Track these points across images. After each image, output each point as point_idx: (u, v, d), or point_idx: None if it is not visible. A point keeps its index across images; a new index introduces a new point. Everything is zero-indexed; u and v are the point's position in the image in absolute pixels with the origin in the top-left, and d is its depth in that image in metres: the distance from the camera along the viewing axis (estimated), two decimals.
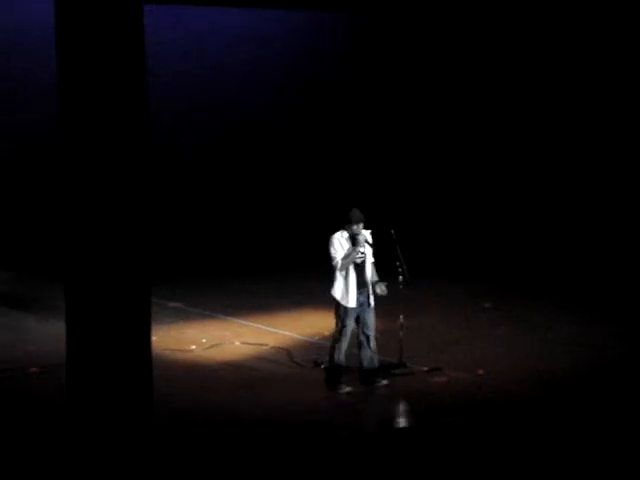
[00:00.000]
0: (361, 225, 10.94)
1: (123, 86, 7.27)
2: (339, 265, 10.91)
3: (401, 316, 11.54)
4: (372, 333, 11.10)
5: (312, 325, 13.83)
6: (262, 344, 12.96)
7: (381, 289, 11.07)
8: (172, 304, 15.01)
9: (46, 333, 13.22)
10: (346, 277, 10.96)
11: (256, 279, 16.99)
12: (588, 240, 18.17)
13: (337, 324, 11.08)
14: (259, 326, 13.95)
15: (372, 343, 11.12)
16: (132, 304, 7.36)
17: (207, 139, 19.58)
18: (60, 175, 7.48)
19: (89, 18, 7.24)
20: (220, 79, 19.41)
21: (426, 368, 11.70)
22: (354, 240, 10.92)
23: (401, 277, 11.43)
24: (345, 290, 10.96)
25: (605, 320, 14.10)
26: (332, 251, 10.94)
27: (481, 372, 11.61)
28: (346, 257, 10.91)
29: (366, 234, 11.00)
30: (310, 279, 16.08)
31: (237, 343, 13.05)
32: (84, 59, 7.24)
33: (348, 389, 11.03)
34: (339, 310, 11.04)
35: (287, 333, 13.54)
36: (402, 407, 10.98)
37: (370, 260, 11.11)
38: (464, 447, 9.46)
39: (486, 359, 12.13)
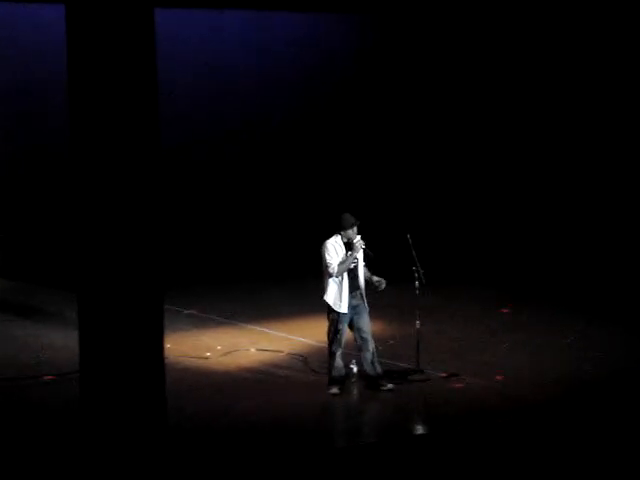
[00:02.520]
0: (355, 229, 10.87)
1: (134, 92, 7.21)
2: (335, 271, 10.87)
3: (417, 321, 11.48)
4: (369, 335, 11.07)
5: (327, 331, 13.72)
6: (277, 351, 12.90)
7: (379, 284, 11.00)
8: (187, 311, 14.96)
9: (57, 342, 13.18)
10: (340, 283, 10.95)
11: (271, 285, 16.93)
12: (600, 243, 18.06)
13: (330, 329, 11.08)
14: (274, 333, 13.89)
15: (370, 345, 11.09)
16: (145, 311, 7.29)
17: (218, 145, 19.52)
18: (72, 183, 7.42)
19: (100, 23, 7.18)
20: (225, 83, 19.35)
21: (444, 374, 11.61)
22: (350, 245, 10.85)
23: (417, 282, 11.38)
24: (338, 296, 10.95)
25: (625, 326, 13.97)
26: (327, 257, 10.90)
27: (499, 378, 11.51)
28: (342, 263, 10.87)
29: (360, 240, 10.92)
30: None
31: (252, 350, 12.99)
32: (95, 65, 7.18)
33: (335, 390, 11.03)
34: (332, 315, 11.02)
35: (302, 340, 13.47)
36: (417, 414, 10.89)
37: (362, 264, 11.04)
38: (482, 453, 9.38)
39: (504, 365, 12.04)
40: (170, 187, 16.05)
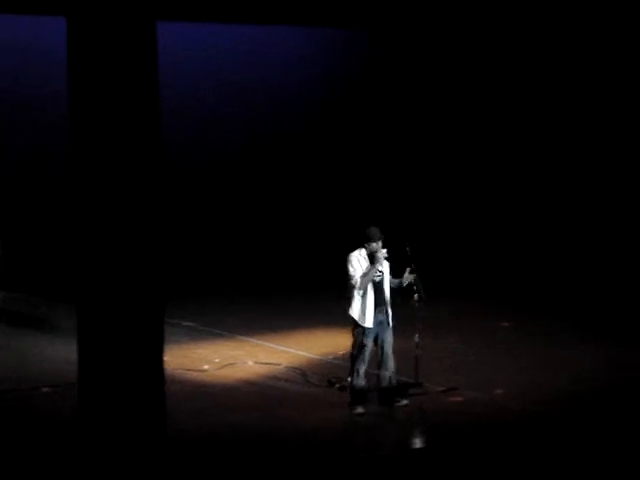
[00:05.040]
0: (380, 243, 10.85)
1: (136, 105, 7.19)
2: (358, 283, 10.79)
3: (417, 335, 11.43)
4: (390, 353, 10.97)
5: (326, 344, 13.73)
6: (275, 364, 12.88)
7: (407, 277, 10.97)
8: (185, 323, 14.93)
9: (56, 353, 13.16)
10: (364, 296, 10.84)
11: (269, 298, 16.92)
12: (601, 255, 18.06)
13: (354, 345, 10.96)
14: (272, 345, 13.87)
15: (390, 363, 10.99)
16: (145, 323, 7.27)
17: (220, 157, 19.52)
18: (72, 195, 7.40)
19: (102, 37, 7.16)
20: (233, 97, 19.37)
21: (442, 388, 11.58)
22: (373, 258, 10.82)
23: (417, 295, 11.34)
24: (363, 310, 10.84)
25: (626, 339, 13.96)
26: (351, 269, 10.83)
27: (499, 392, 11.49)
28: (365, 275, 10.80)
29: (384, 252, 10.90)
30: (323, 298, 16.02)
31: (250, 363, 12.96)
32: (96, 79, 7.16)
33: (361, 410, 10.90)
34: (357, 330, 10.91)
35: (300, 352, 13.45)
36: (417, 428, 10.87)
37: (388, 278, 11.00)
38: (481, 467, 9.36)
39: (504, 379, 12.02)
40: (171, 199, 16.04)
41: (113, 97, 7.20)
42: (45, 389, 11.60)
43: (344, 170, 20.13)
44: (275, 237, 19.49)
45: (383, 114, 20.50)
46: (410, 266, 11.19)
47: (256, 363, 12.92)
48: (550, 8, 10.99)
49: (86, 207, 7.24)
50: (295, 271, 18.33)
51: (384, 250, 10.86)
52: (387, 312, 10.94)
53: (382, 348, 10.94)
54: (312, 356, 13.24)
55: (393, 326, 10.98)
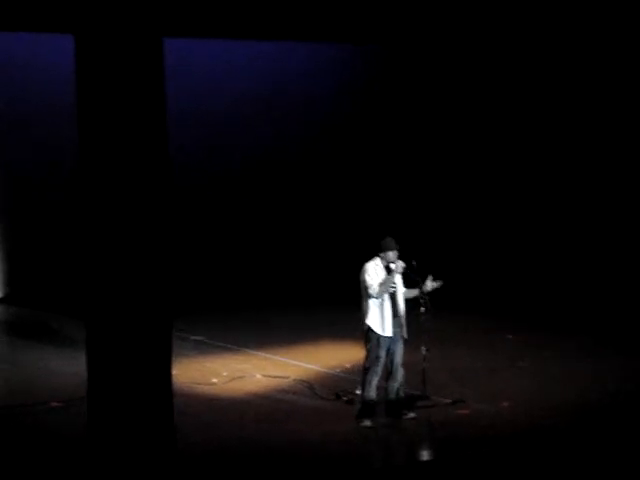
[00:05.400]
0: (396, 254, 10.90)
1: (143, 121, 7.27)
2: (376, 291, 10.81)
3: (423, 347, 11.45)
4: (400, 365, 10.98)
5: (333, 357, 13.76)
6: (283, 377, 12.89)
7: (432, 284, 11.05)
8: (194, 337, 14.96)
9: (66, 368, 13.19)
10: (381, 306, 10.87)
11: (275, 311, 16.92)
12: (607, 269, 18.06)
13: (368, 356, 10.97)
14: (280, 358, 13.89)
15: (399, 375, 11.01)
16: (153, 337, 7.32)
17: (226, 171, 19.58)
18: (82, 211, 7.47)
19: (108, 54, 7.24)
20: (242, 113, 19.43)
21: (449, 400, 11.59)
22: (389, 269, 10.87)
23: (423, 308, 11.37)
24: (381, 319, 10.86)
25: (631, 351, 13.94)
26: (368, 279, 10.86)
27: (506, 404, 11.50)
28: (382, 284, 10.84)
29: (401, 264, 10.95)
30: (329, 311, 16.07)
31: (258, 376, 12.98)
32: (103, 95, 7.24)
33: (369, 423, 10.91)
34: (371, 341, 10.91)
35: (308, 365, 13.47)
36: (425, 440, 10.88)
37: (401, 290, 11.04)
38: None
39: (510, 391, 12.02)
40: (180, 214, 16.13)
41: (120, 112, 7.28)
42: (54, 404, 11.62)
43: (347, 186, 20.19)
44: (281, 250, 19.54)
45: (392, 127, 20.57)
46: (416, 280, 11.24)
47: (264, 376, 12.94)
48: (550, 12, 11.06)
49: (95, 222, 7.30)
50: (301, 284, 18.36)
51: (401, 262, 10.91)
52: (402, 324, 10.98)
53: (392, 360, 10.96)
54: (319, 369, 13.26)
55: (405, 339, 11.02)
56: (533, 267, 18.93)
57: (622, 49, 16.04)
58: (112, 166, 7.25)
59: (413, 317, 11.32)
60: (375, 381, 10.92)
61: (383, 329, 10.86)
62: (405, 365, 11.08)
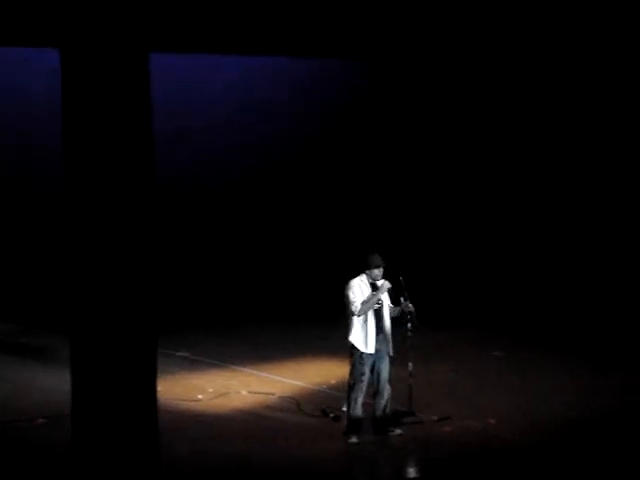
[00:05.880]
0: (381, 270, 10.88)
1: (129, 137, 7.25)
2: (358, 309, 10.79)
3: (410, 364, 11.44)
4: (387, 382, 10.94)
5: (319, 373, 13.74)
6: (269, 393, 12.87)
7: (407, 306, 11.00)
8: (179, 353, 14.92)
9: (51, 384, 13.13)
10: (365, 323, 10.83)
11: (261, 328, 16.87)
12: (595, 285, 18.09)
13: (352, 373, 10.95)
14: (266, 375, 13.86)
15: (386, 392, 10.97)
16: (138, 353, 7.29)
17: (216, 186, 19.59)
18: (65, 225, 7.45)
19: (95, 68, 7.23)
20: (231, 127, 19.46)
21: (435, 417, 11.57)
22: (374, 286, 10.85)
23: (409, 324, 11.36)
24: (364, 336, 10.83)
25: (617, 368, 13.97)
26: (351, 296, 10.83)
27: (492, 421, 11.49)
28: (366, 302, 10.81)
29: (387, 283, 10.93)
30: (315, 327, 16.05)
31: (244, 392, 12.95)
32: (90, 111, 7.23)
33: (355, 440, 10.88)
34: (355, 358, 10.89)
35: (294, 382, 13.45)
36: (411, 457, 10.86)
37: (387, 307, 11.01)
38: None
39: (496, 408, 12.00)
40: (165, 230, 16.12)
41: (106, 127, 7.26)
42: (39, 420, 11.58)
43: (336, 201, 20.20)
44: (267, 266, 19.52)
45: (382, 142, 20.61)
46: (404, 295, 11.22)
47: (250, 393, 12.91)
48: (544, 20, 11.10)
49: (80, 239, 7.28)
50: (287, 300, 18.34)
51: (387, 283, 10.89)
52: (387, 340, 10.95)
53: (379, 376, 10.92)
54: (305, 385, 13.24)
55: (391, 356, 10.99)
56: (520, 282, 18.95)
57: (622, 52, 16.09)
58: (97, 180, 7.22)
59: (399, 333, 11.32)
60: (360, 398, 10.88)
61: (366, 346, 10.83)
62: (391, 381, 11.07)
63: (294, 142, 20.00)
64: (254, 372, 14.00)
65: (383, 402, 10.98)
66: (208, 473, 9.95)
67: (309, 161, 20.19)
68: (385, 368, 10.94)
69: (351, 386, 10.93)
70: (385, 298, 10.99)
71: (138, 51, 7.33)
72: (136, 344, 7.27)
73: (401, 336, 11.33)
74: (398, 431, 11.08)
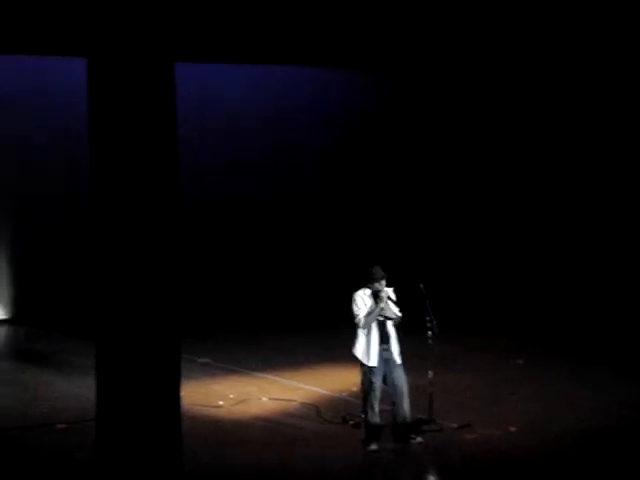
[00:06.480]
0: (383, 282, 10.91)
1: (154, 144, 7.31)
2: (362, 322, 10.86)
3: (430, 372, 11.45)
4: (404, 391, 10.93)
5: (339, 380, 13.74)
6: (290, 400, 12.90)
7: (386, 293, 10.91)
8: (200, 359, 14.96)
9: (67, 390, 13.24)
10: (368, 335, 10.89)
11: (282, 334, 16.95)
12: (615, 293, 18.08)
13: (363, 383, 10.99)
14: (286, 381, 13.90)
15: (405, 400, 10.95)
16: (163, 360, 7.34)
17: (235, 193, 19.67)
18: (91, 232, 7.51)
19: (121, 77, 7.30)
20: (248, 137, 19.54)
21: (455, 425, 11.58)
22: (377, 297, 10.89)
23: (430, 332, 11.38)
24: (367, 348, 10.88)
25: (639, 376, 13.93)
26: (355, 309, 10.91)
27: (513, 429, 11.49)
28: (369, 314, 10.86)
29: (389, 291, 10.96)
30: (336, 334, 16.02)
31: (264, 399, 12.99)
32: (115, 118, 7.29)
33: (375, 447, 10.89)
34: (364, 369, 10.95)
35: (314, 389, 13.48)
36: (432, 465, 10.87)
37: (393, 315, 11.01)
38: None
39: (517, 416, 11.99)
40: (188, 236, 16.21)
41: (132, 136, 7.32)
42: (60, 426, 11.64)
43: (348, 211, 20.28)
44: (287, 274, 19.59)
45: (391, 152, 20.67)
46: (425, 304, 11.26)
47: (270, 399, 12.96)
48: (551, 24, 11.16)
49: (106, 245, 7.34)
50: (308, 308, 18.39)
51: (388, 289, 10.94)
52: (392, 350, 10.95)
53: (395, 386, 10.93)
54: (325, 392, 13.27)
55: (402, 362, 10.99)
56: (540, 291, 18.96)
57: (622, 55, 16.12)
58: (123, 187, 7.28)
59: (420, 341, 11.34)
60: (376, 405, 10.89)
61: (368, 358, 10.87)
62: (412, 389, 11.07)
63: (296, 156, 20.07)
64: (275, 378, 14.04)
65: (403, 411, 10.97)
66: (228, 479, 9.98)
67: (325, 169, 20.26)
68: (400, 377, 10.94)
69: (365, 396, 10.98)
70: (392, 307, 10.99)
71: (164, 60, 7.39)
72: (161, 350, 7.32)
73: (421, 344, 11.35)
74: (419, 439, 11.07)
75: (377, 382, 10.87)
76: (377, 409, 10.89)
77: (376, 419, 10.90)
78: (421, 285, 11.35)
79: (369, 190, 20.51)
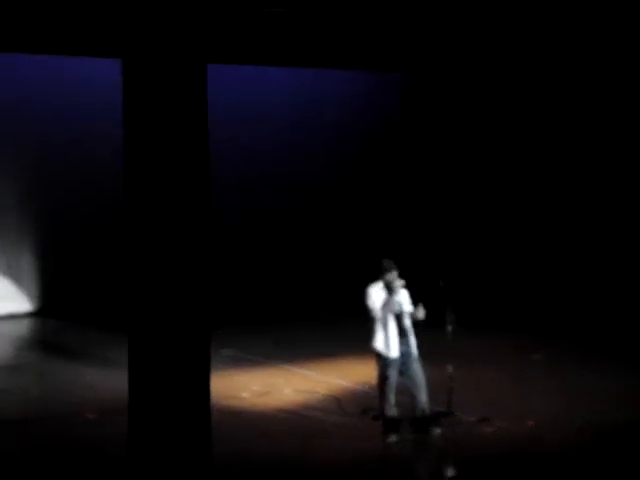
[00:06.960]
0: (395, 273, 11.08)
1: (187, 145, 7.51)
2: (378, 314, 11.04)
3: (449, 366, 11.57)
4: (422, 383, 11.10)
5: (362, 373, 13.76)
6: (312, 392, 13.01)
7: (419, 313, 11.12)
8: (224, 351, 15.08)
9: (95, 381, 13.40)
10: (386, 327, 11.05)
11: (306, 326, 17.00)
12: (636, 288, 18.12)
13: (379, 376, 11.16)
14: (309, 373, 14.00)
15: (423, 392, 11.11)
16: (193, 351, 7.53)
17: (260, 191, 19.81)
18: (124, 227, 7.72)
19: (154, 77, 7.50)
20: (274, 140, 19.67)
21: (474, 418, 11.69)
22: (390, 289, 11.07)
23: (450, 327, 11.52)
24: (386, 340, 11.04)
25: None
26: (369, 302, 11.10)
27: (531, 423, 11.60)
28: (384, 306, 11.05)
29: (400, 282, 11.13)
30: (360, 326, 16.15)
31: (288, 391, 13.11)
32: (149, 118, 7.49)
33: (394, 439, 11.06)
34: (381, 362, 11.12)
35: (337, 381, 13.59)
36: (450, 457, 11.00)
37: (407, 309, 11.21)
38: None
39: (536, 410, 12.05)
40: (215, 230, 16.33)
41: (165, 135, 7.52)
42: (89, 415, 11.82)
43: (371, 205, 20.38)
44: (313, 265, 19.71)
45: (408, 153, 20.78)
46: (445, 299, 11.41)
47: (294, 391, 13.09)
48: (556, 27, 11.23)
49: (139, 241, 7.54)
50: (333, 299, 18.46)
51: (400, 280, 11.11)
52: (410, 342, 11.13)
53: (413, 378, 11.09)
54: (348, 384, 13.36)
55: (419, 355, 11.15)
56: (561, 286, 19.00)
57: (622, 56, 16.15)
58: (156, 186, 7.48)
59: (440, 335, 11.48)
60: (392, 397, 11.04)
61: (389, 350, 11.03)
62: (431, 383, 11.19)
63: (317, 155, 20.19)
64: (298, 370, 14.13)
65: (421, 404, 11.10)
66: (251, 471, 10.12)
67: (346, 169, 20.37)
68: (417, 370, 11.10)
69: (380, 389, 11.15)
70: (404, 299, 11.17)
71: (196, 62, 7.59)
72: (191, 342, 7.51)
73: (442, 338, 11.48)
74: (437, 430, 11.21)
75: (393, 375, 11.04)
76: (393, 401, 11.06)
77: (393, 411, 11.06)
78: (441, 282, 11.50)
79: (392, 186, 20.61)
